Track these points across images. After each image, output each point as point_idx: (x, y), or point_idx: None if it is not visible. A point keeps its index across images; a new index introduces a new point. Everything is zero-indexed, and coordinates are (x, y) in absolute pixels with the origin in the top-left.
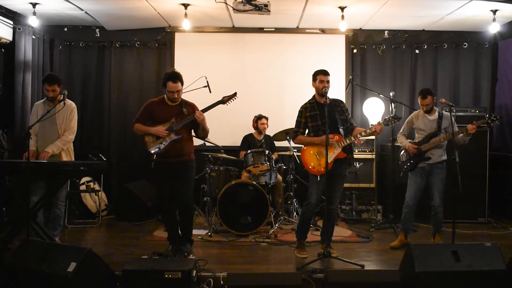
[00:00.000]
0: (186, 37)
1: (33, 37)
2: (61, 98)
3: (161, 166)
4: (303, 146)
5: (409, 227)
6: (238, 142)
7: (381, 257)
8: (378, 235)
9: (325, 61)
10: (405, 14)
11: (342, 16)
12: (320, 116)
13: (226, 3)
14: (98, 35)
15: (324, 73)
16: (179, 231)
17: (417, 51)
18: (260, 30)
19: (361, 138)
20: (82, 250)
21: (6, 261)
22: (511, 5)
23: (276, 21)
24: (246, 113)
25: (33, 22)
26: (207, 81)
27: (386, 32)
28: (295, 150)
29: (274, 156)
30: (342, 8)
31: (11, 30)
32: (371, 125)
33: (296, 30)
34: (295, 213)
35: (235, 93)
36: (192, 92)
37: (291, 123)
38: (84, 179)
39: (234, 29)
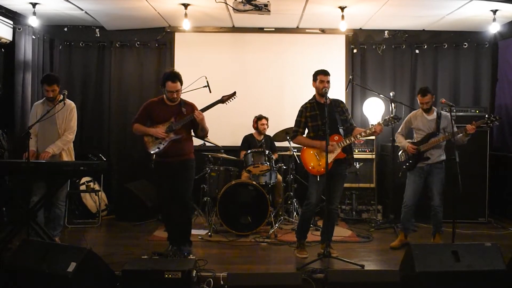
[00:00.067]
0: (186, 37)
1: (33, 37)
2: (61, 98)
3: (161, 166)
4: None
5: (409, 227)
6: (238, 142)
7: (381, 257)
8: (378, 235)
9: (325, 61)
10: (405, 14)
11: (342, 16)
12: (320, 116)
13: (226, 3)
14: (98, 35)
15: (325, 73)
16: (178, 232)
17: (417, 51)
18: (260, 30)
19: (361, 138)
20: (82, 250)
21: (6, 261)
22: (511, 5)
23: (276, 21)
24: (246, 113)
25: (33, 22)
26: (207, 81)
27: (386, 32)
28: (295, 150)
29: (274, 156)
30: (342, 8)
31: (11, 30)
32: (371, 125)
33: (296, 30)
34: (295, 213)
35: (234, 93)
36: (192, 92)
37: (291, 123)
38: (84, 179)
39: (234, 29)
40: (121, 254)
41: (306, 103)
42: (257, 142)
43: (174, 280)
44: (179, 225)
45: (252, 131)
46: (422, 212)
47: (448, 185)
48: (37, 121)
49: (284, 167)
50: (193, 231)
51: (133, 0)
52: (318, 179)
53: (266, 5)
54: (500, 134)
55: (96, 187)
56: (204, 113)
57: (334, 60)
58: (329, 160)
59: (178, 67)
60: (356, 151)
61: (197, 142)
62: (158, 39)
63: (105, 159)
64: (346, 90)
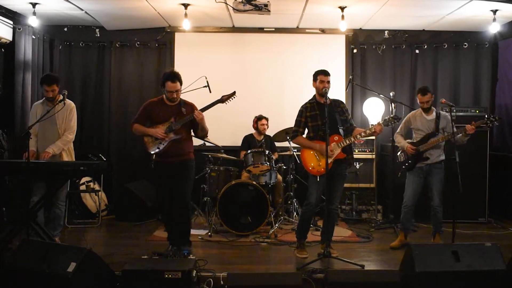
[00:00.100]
0: (186, 37)
1: (33, 37)
2: (61, 98)
3: (160, 166)
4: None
5: (409, 227)
6: (238, 142)
7: (381, 257)
8: (378, 235)
9: (325, 61)
10: (405, 14)
11: (342, 16)
12: (320, 116)
13: (226, 3)
14: (98, 35)
15: (325, 73)
16: (178, 232)
17: (417, 51)
18: (260, 30)
19: (361, 138)
20: (82, 250)
21: (6, 261)
22: (511, 5)
23: (276, 21)
24: (246, 113)
25: (33, 22)
26: (207, 81)
27: (386, 32)
28: (295, 150)
29: (274, 156)
30: (342, 8)
31: (11, 30)
32: (371, 125)
33: (296, 30)
34: (295, 213)
35: (234, 92)
36: (192, 92)
37: (291, 123)
38: (84, 179)
39: (234, 29)
40: (121, 254)
41: (306, 103)
42: (257, 142)
43: (174, 280)
44: (179, 225)
45: (252, 131)
46: (422, 212)
47: (448, 185)
48: (37, 121)
49: (284, 167)
50: (193, 231)
51: (133, 0)
52: (318, 179)
53: (266, 5)
54: (500, 134)
55: (96, 187)
56: (204, 113)
57: (334, 60)
58: (329, 160)
59: (178, 67)
60: (356, 151)
61: (197, 142)
62: (158, 39)
63: (105, 159)
64: (346, 90)
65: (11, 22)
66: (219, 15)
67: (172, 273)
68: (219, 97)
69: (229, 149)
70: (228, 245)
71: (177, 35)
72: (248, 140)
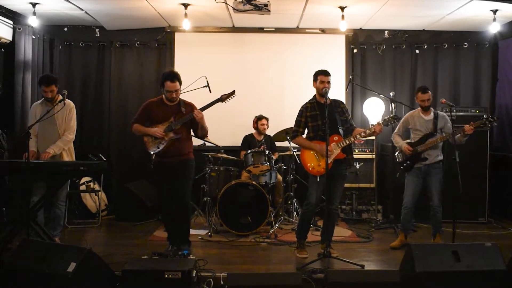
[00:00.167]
0: (186, 37)
1: (33, 37)
2: (61, 98)
3: (160, 166)
4: None
5: (409, 228)
6: (238, 142)
7: (381, 257)
8: (378, 235)
9: (325, 61)
10: (405, 14)
11: (342, 16)
12: (320, 116)
13: (226, 3)
14: (98, 35)
15: (325, 73)
16: (177, 232)
17: (417, 51)
18: (260, 30)
19: (361, 138)
20: (82, 250)
21: (6, 261)
22: (511, 5)
23: (276, 21)
24: (246, 113)
25: (33, 22)
26: (207, 81)
27: (386, 32)
28: (295, 150)
29: (274, 156)
30: (342, 8)
31: (11, 30)
32: (371, 125)
33: (296, 30)
34: (295, 213)
35: (234, 91)
36: (192, 92)
37: (291, 123)
38: (84, 179)
39: (234, 29)
40: (121, 254)
41: (306, 103)
42: (257, 142)
43: (174, 280)
44: (179, 225)
45: (252, 131)
46: (422, 212)
47: (448, 185)
48: (37, 121)
49: (284, 167)
50: (193, 231)
51: (133, 0)
52: (318, 179)
53: (266, 5)
54: (500, 134)
55: (96, 187)
56: (204, 113)
57: (334, 60)
58: (329, 160)
59: (178, 67)
60: (356, 151)
61: (197, 142)
62: (158, 39)
63: (105, 159)
64: (346, 90)
65: (11, 22)
66: (219, 15)
67: (172, 273)
68: (219, 97)
69: (229, 149)
70: (228, 245)
71: (177, 35)
72: (248, 140)
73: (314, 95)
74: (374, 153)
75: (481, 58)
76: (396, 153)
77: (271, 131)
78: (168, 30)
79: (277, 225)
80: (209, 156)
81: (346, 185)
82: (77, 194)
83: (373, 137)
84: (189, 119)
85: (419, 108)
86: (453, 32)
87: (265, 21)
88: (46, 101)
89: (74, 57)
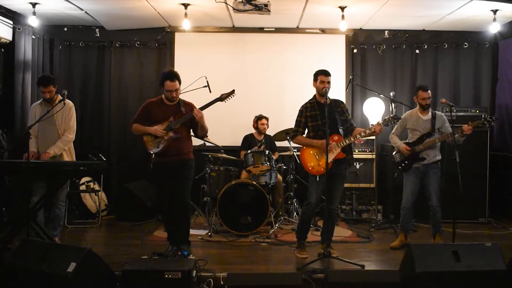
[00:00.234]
0: (186, 37)
1: (33, 37)
2: (60, 98)
3: (160, 166)
4: (302, 146)
5: (409, 228)
6: (238, 142)
7: (381, 257)
8: (378, 235)
9: (325, 61)
10: (405, 14)
11: (342, 16)
12: (320, 116)
13: (226, 3)
14: (98, 35)
15: (325, 73)
16: (177, 232)
17: (417, 51)
18: (260, 30)
19: (361, 138)
20: (82, 250)
21: (6, 261)
22: (511, 5)
23: (276, 21)
24: (246, 113)
25: (33, 22)
26: (207, 81)
27: (386, 32)
28: (295, 150)
29: (275, 156)
30: (342, 8)
31: (11, 30)
32: (371, 125)
33: (296, 30)
34: (295, 213)
35: (233, 91)
36: (192, 92)
37: (291, 123)
38: (84, 179)
39: (234, 29)
40: (121, 254)
41: (306, 103)
42: (257, 142)
43: (174, 280)
44: (179, 225)
45: (252, 131)
46: (422, 212)
47: (448, 185)
48: (37, 121)
49: (284, 167)
50: (193, 231)
51: (133, 0)
52: (318, 179)
53: (266, 5)
54: (500, 134)
55: (96, 187)
56: (204, 113)
57: (334, 60)
58: (329, 160)
59: (178, 67)
60: (356, 151)
61: (197, 142)
62: (158, 39)
63: (105, 159)
64: (346, 90)
65: (11, 22)
66: (219, 15)
67: (172, 273)
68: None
69: (229, 149)
70: (228, 245)
71: (177, 35)
72: (248, 140)
73: (314, 95)
74: (374, 153)
75: (481, 58)
76: (394, 153)
77: (271, 131)
78: (168, 30)
79: (277, 225)
80: (209, 156)
81: (346, 185)
82: (77, 194)
83: (373, 137)
84: (188, 119)
85: (417, 108)
86: (453, 32)
87: (265, 21)
88: (45, 102)
89: (74, 57)
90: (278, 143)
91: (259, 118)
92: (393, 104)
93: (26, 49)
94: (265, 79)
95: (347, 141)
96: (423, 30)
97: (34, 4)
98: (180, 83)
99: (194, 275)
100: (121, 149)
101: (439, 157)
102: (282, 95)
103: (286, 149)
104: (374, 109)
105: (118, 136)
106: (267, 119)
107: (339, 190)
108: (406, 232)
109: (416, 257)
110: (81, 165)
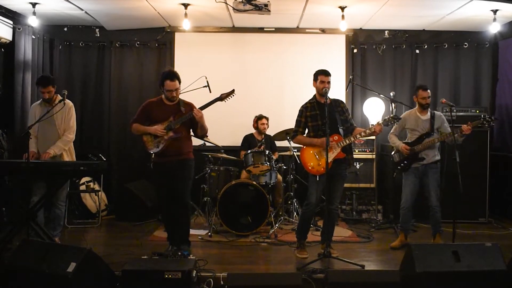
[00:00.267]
0: (186, 37)
1: (33, 37)
2: (60, 98)
3: (160, 166)
4: (302, 146)
5: (408, 228)
6: (238, 142)
7: (381, 257)
8: (378, 235)
9: (325, 61)
10: (405, 14)
11: (342, 16)
12: (320, 116)
13: (226, 3)
14: (98, 35)
15: (325, 73)
16: (177, 232)
17: (417, 51)
18: (260, 30)
19: (361, 138)
20: (82, 250)
21: (6, 261)
22: (511, 5)
23: (276, 21)
24: (246, 113)
25: (33, 22)
26: (207, 81)
27: (386, 32)
28: (295, 150)
29: (275, 156)
30: (342, 8)
31: (11, 30)
32: (371, 125)
33: (296, 30)
34: (295, 213)
35: (233, 90)
36: (192, 92)
37: (291, 123)
38: (84, 179)
39: (234, 29)
40: (121, 254)
41: (306, 103)
42: (257, 141)
43: (174, 280)
44: (178, 225)
45: (252, 131)
46: (422, 212)
47: (448, 185)
48: (37, 121)
49: (284, 167)
50: (193, 231)
51: (133, 0)
52: (318, 179)
53: (266, 5)
54: (500, 134)
55: (96, 187)
56: (204, 113)
57: (334, 60)
58: (329, 160)
59: (178, 67)
60: (356, 151)
61: (197, 142)
62: (158, 39)
63: (105, 159)
64: (346, 90)
65: (11, 22)
66: (219, 15)
67: (172, 273)
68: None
69: (229, 149)
70: (228, 245)
71: (177, 35)
72: (248, 140)
73: (314, 95)
74: (374, 153)
75: (481, 58)
76: (393, 153)
77: (271, 131)
78: (168, 30)
79: (277, 225)
80: (209, 156)
81: (346, 185)
82: (77, 194)
83: (373, 137)
84: (188, 118)
85: (416, 108)
86: (453, 32)
87: (265, 21)
88: (44, 102)
89: (74, 57)
90: (278, 143)
91: (259, 118)
92: (393, 104)
93: (26, 49)
94: (265, 79)
95: (347, 141)
96: (423, 30)
97: (34, 4)
98: (180, 82)
99: (194, 275)
100: (121, 149)
101: (438, 157)
102: (282, 95)
103: (286, 149)
104: (374, 109)
105: (118, 136)
106: (267, 119)
107: (339, 190)
108: (406, 232)
109: (416, 257)
110: (81, 165)
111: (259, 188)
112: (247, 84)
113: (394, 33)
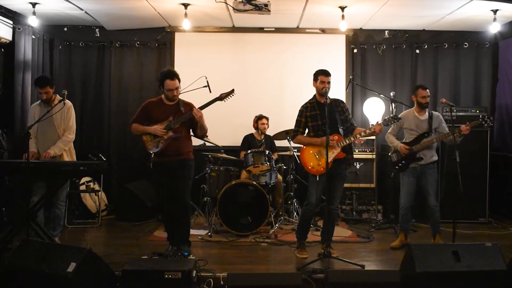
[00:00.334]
0: (186, 37)
1: (33, 37)
2: (60, 98)
3: (159, 166)
4: (302, 146)
5: (408, 228)
6: (238, 142)
7: (381, 257)
8: (378, 235)
9: (325, 61)
10: (405, 14)
11: (342, 16)
12: (320, 116)
13: (226, 3)
14: (98, 35)
15: (326, 73)
16: (177, 232)
17: (417, 51)
18: (260, 30)
19: (361, 138)
20: (82, 250)
21: (6, 261)
22: (511, 5)
23: (276, 21)
24: (246, 113)
25: (33, 22)
26: (207, 81)
27: (386, 32)
28: (295, 150)
29: (274, 156)
30: (342, 8)
31: (11, 30)
32: (371, 125)
33: (296, 30)
34: (295, 213)
35: (233, 90)
36: (192, 92)
37: (291, 123)
38: (84, 179)
39: (234, 29)
40: (121, 254)
41: (306, 103)
42: (258, 141)
43: (174, 280)
44: (178, 225)
45: (252, 131)
46: (422, 212)
47: (448, 185)
48: (37, 121)
49: (284, 167)
50: (193, 231)
51: (133, 0)
52: (318, 179)
53: (266, 5)
54: (500, 134)
55: (96, 187)
56: (204, 113)
57: (334, 60)
58: (329, 160)
59: (178, 67)
60: (356, 151)
61: (197, 142)
62: (158, 39)
63: (105, 159)
64: (346, 90)
65: (11, 22)
66: (219, 15)
67: (172, 273)
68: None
69: (229, 149)
70: (228, 245)
71: (177, 35)
72: (248, 140)
73: (314, 95)
74: (374, 153)
75: (481, 58)
76: (391, 153)
77: (271, 131)
78: (168, 30)
79: (277, 225)
80: (209, 156)
81: (346, 185)
82: (77, 194)
83: (373, 137)
84: (188, 118)
85: (414, 107)
86: (453, 32)
87: (265, 21)
88: (43, 103)
89: (74, 57)
90: (278, 143)
91: (259, 118)
92: (393, 104)
93: (26, 49)
94: (265, 79)
95: (347, 141)
96: (423, 30)
97: (34, 4)
98: (179, 81)
99: (194, 275)
100: (121, 149)
101: (435, 158)
102: (282, 95)
103: (286, 149)
104: (374, 109)
105: (118, 136)
106: (267, 119)
107: (339, 190)
108: (406, 232)
109: (416, 257)
110: (81, 165)
111: (259, 188)
112: (247, 84)
113: (394, 33)
